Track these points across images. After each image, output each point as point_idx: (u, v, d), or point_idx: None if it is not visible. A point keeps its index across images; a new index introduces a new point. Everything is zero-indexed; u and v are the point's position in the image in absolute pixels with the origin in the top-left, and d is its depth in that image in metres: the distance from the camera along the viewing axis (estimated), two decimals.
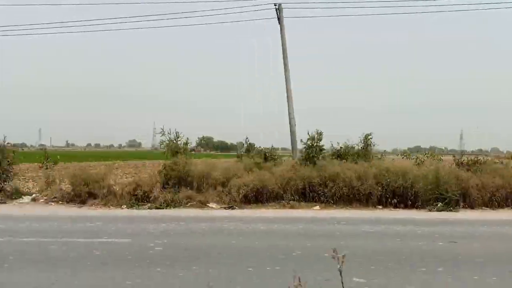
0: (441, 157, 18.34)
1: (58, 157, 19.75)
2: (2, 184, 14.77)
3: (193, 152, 18.80)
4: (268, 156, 16.53)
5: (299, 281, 2.20)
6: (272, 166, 14.92)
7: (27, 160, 23.70)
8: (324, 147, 15.52)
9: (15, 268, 6.39)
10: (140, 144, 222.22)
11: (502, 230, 9.93)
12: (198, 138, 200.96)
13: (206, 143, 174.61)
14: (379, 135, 17.06)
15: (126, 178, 19.10)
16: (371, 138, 16.14)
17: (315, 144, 15.16)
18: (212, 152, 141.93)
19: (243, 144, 18.58)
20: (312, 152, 14.98)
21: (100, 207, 13.15)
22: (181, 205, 13.08)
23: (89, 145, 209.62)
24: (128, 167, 30.53)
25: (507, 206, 13.32)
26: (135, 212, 12.46)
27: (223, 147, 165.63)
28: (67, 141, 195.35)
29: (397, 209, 13.02)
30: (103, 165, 22.74)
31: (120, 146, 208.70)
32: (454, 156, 16.18)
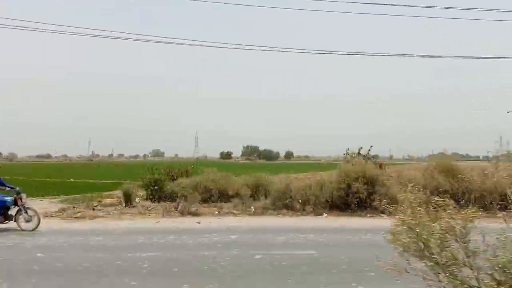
0: None
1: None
2: None
3: None
4: None
5: None
6: None
7: None
8: None
9: None
10: (163, 153, 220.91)
11: None
12: (243, 146, 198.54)
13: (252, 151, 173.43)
14: None
15: None
16: None
17: None
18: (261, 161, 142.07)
19: None
20: None
21: None
22: None
23: (110, 155, 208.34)
24: None
25: None
26: None
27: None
28: (92, 151, 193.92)
29: None
30: None
31: (145, 156, 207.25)
32: None
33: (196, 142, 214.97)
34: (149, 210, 14.32)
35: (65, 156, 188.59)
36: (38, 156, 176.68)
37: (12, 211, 11.18)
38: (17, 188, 11.33)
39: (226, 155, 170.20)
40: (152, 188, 16.07)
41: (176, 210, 13.51)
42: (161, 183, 16.15)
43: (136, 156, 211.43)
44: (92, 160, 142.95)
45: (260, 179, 16.40)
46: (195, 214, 13.38)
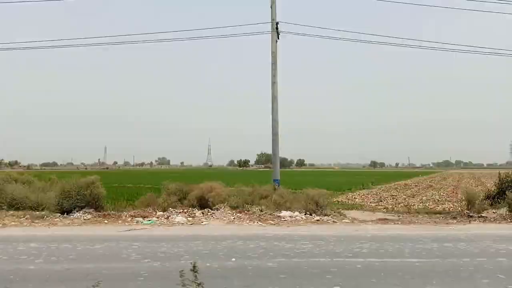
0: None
1: None
2: None
3: None
4: None
5: None
6: None
7: None
8: None
9: None
10: (169, 161, 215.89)
11: None
12: (257, 154, 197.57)
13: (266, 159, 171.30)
14: None
15: None
16: None
17: None
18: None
19: None
20: None
21: None
22: None
23: (115, 163, 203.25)
24: None
25: None
26: None
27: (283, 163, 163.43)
28: (99, 159, 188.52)
29: None
30: None
31: (151, 164, 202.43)
32: None
33: (209, 149, 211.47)
34: None
35: (71, 164, 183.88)
36: (43, 164, 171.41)
37: None
38: None
39: (244, 163, 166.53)
40: None
41: None
42: None
43: (142, 164, 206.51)
44: (107, 168, 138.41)
45: None
46: None
